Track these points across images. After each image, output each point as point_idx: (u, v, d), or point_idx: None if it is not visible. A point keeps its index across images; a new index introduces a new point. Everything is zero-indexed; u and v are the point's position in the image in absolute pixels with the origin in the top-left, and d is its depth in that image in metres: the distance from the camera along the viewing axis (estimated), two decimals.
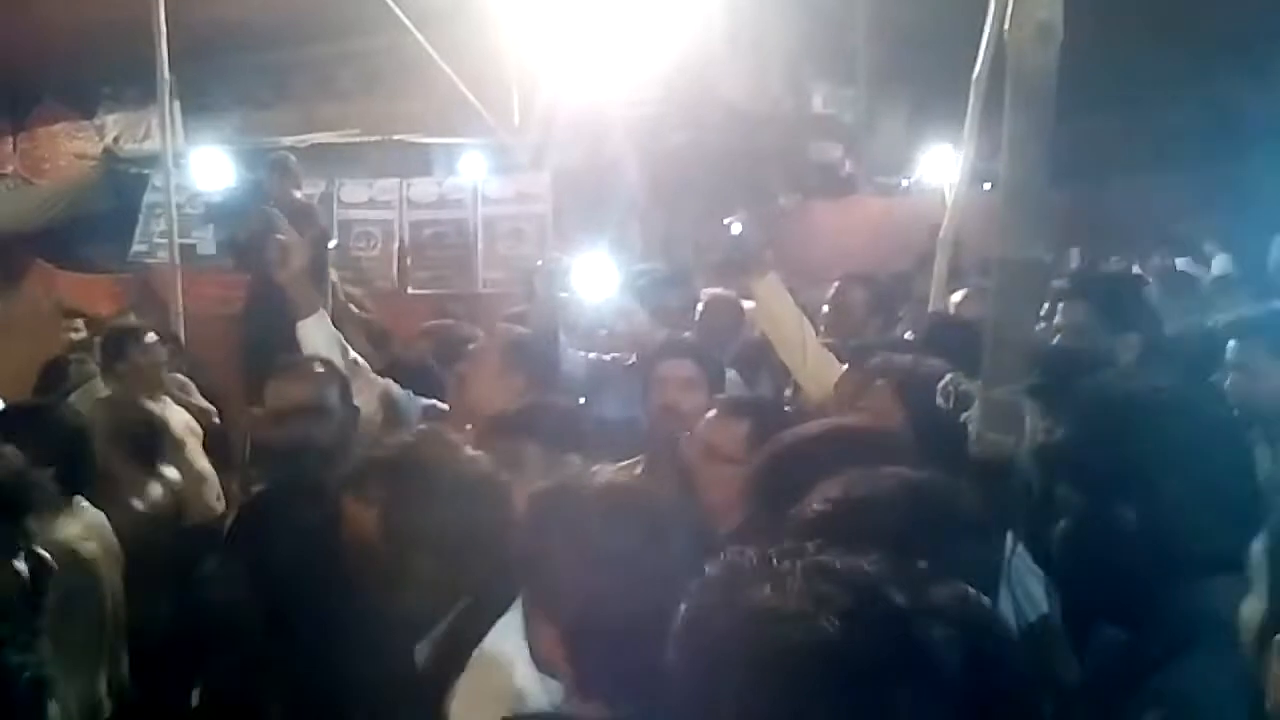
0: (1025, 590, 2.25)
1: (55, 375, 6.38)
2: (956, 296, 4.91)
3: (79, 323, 7.28)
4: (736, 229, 3.85)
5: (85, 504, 3.32)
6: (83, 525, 3.16)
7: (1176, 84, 11.56)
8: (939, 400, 2.59)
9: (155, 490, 4.01)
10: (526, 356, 3.70)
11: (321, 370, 3.33)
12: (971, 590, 1.06)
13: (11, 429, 3.30)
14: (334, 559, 2.25)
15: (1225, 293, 6.51)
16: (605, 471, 1.94)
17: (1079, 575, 2.10)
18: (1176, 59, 11.22)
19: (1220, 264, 9.64)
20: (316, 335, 3.69)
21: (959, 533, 1.52)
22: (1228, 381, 3.13)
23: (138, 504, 3.89)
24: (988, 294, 3.99)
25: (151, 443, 4.19)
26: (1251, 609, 1.39)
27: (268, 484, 3.32)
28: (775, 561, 1.03)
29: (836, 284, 5.04)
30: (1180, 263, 9.43)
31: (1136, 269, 8.91)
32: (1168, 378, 2.32)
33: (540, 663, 1.80)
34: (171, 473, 4.16)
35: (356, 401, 3.40)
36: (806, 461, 1.93)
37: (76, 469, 3.27)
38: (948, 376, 2.69)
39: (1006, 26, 2.25)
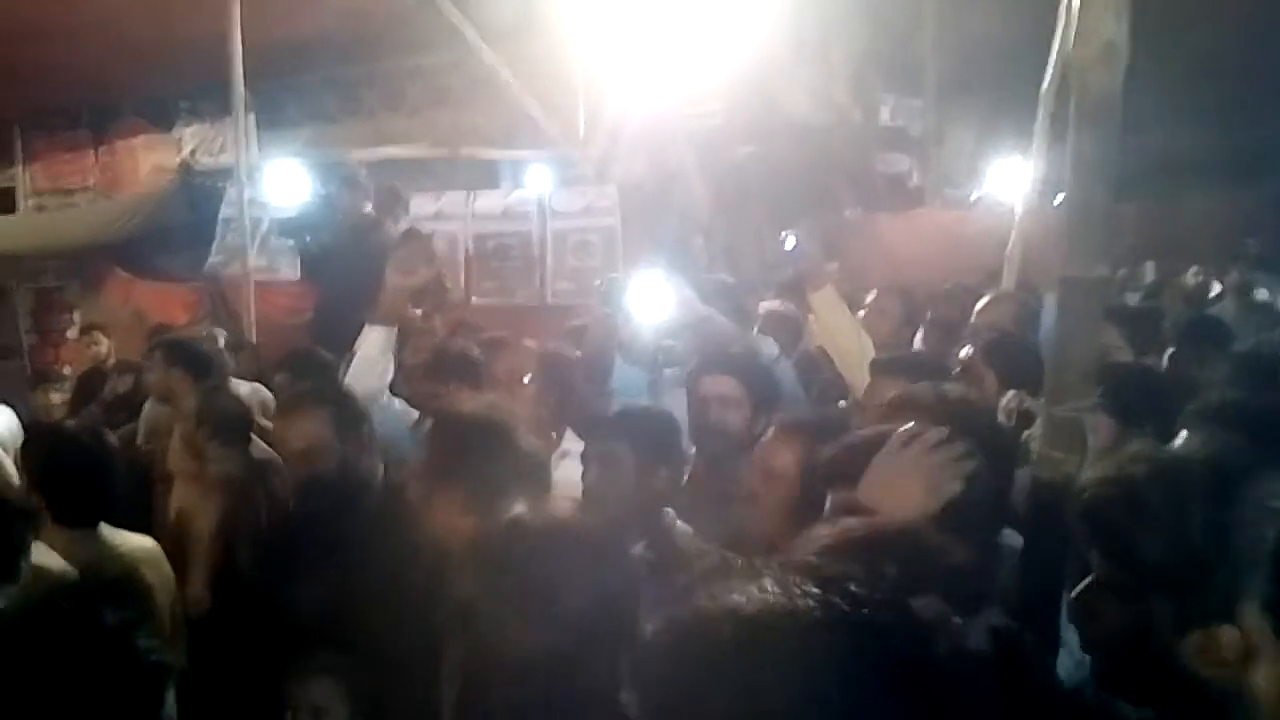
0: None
1: (90, 388, 6.58)
2: (980, 304, 4.85)
3: (98, 335, 7.48)
4: (791, 242, 3.86)
5: (107, 530, 3.37)
6: (91, 555, 3.18)
7: (1253, 96, 11.32)
8: (1000, 418, 2.58)
9: (247, 467, 4.21)
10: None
11: (318, 408, 3.35)
12: (946, 608, 1.07)
13: (34, 453, 3.41)
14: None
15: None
16: (550, 506, 2.01)
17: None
18: (1253, 71, 10.99)
19: None
20: (375, 341, 3.83)
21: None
22: None
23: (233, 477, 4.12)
24: (1011, 301, 3.98)
25: (240, 425, 4.37)
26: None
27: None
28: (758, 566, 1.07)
29: (873, 294, 5.01)
30: (1260, 280, 9.23)
31: (1215, 284, 8.75)
32: None
33: None
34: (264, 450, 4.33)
35: None
36: (855, 466, 1.92)
37: (91, 494, 3.35)
38: (1010, 394, 2.67)
39: (1071, 46, 2.24)
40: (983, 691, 1.07)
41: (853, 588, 1.01)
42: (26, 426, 4.78)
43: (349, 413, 3.32)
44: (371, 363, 3.80)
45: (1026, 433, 2.42)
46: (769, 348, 4.28)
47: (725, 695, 0.97)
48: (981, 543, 1.72)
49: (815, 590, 1.00)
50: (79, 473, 3.32)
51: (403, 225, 7.88)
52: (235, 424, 4.44)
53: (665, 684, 1.04)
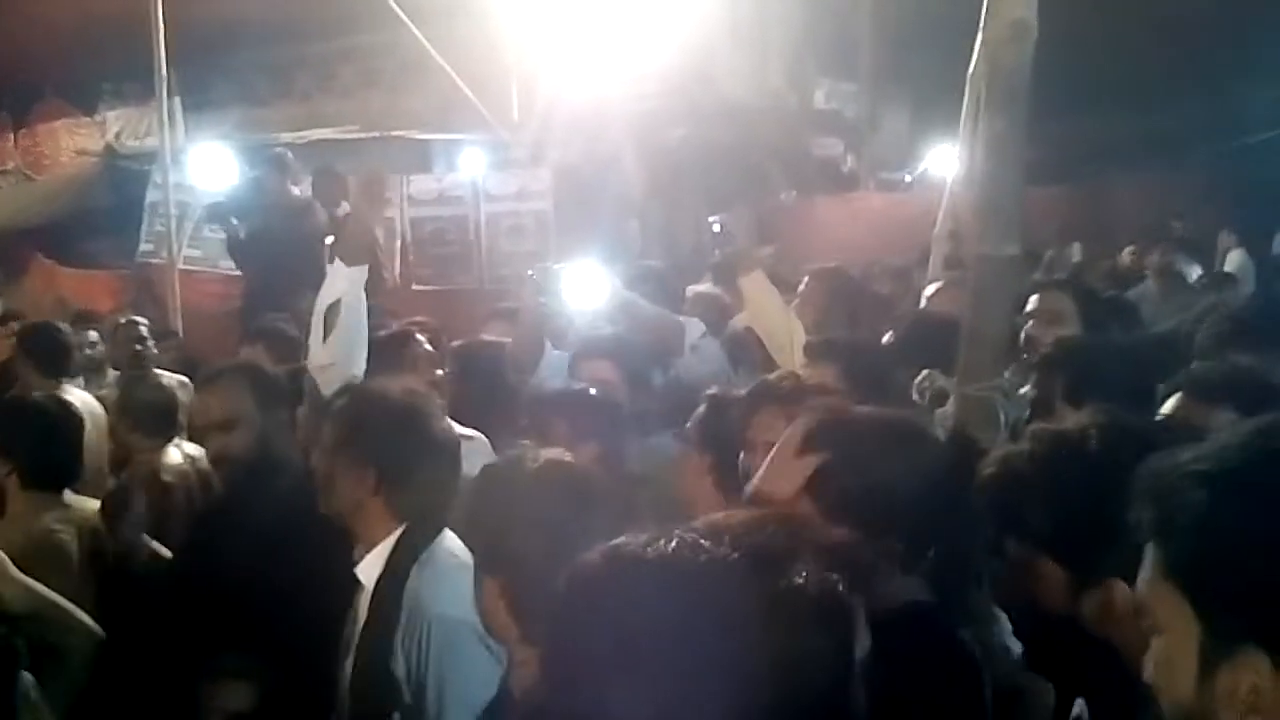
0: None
1: (9, 378, 6.39)
2: (929, 290, 4.91)
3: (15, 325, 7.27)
4: (718, 228, 3.87)
5: (71, 496, 3.41)
6: (58, 517, 3.27)
7: (1178, 80, 11.52)
8: (914, 396, 2.61)
9: (174, 460, 4.11)
10: None
11: (239, 380, 3.26)
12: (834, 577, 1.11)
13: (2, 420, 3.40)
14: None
15: (1217, 289, 6.48)
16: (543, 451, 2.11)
17: None
18: (1178, 55, 11.18)
19: (1234, 260, 9.57)
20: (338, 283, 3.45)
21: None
22: None
23: (161, 475, 4.00)
24: (959, 286, 4.01)
25: (165, 415, 4.28)
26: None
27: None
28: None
29: (805, 278, 5.03)
30: (1182, 260, 9.41)
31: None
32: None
33: (488, 629, 2.01)
34: (190, 448, 4.23)
35: None
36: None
37: (57, 460, 3.43)
38: (923, 374, 2.70)
39: (981, 25, 2.25)
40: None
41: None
42: None
43: (271, 387, 3.25)
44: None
45: (939, 411, 2.44)
46: (695, 329, 4.28)
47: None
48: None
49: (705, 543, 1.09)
50: (46, 438, 3.40)
51: (343, 209, 7.75)
52: (159, 415, 4.35)
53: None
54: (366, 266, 3.36)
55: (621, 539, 1.14)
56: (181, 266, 8.56)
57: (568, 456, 2.10)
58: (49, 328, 5.41)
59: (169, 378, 5.26)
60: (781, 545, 1.10)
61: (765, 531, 1.12)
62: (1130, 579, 1.36)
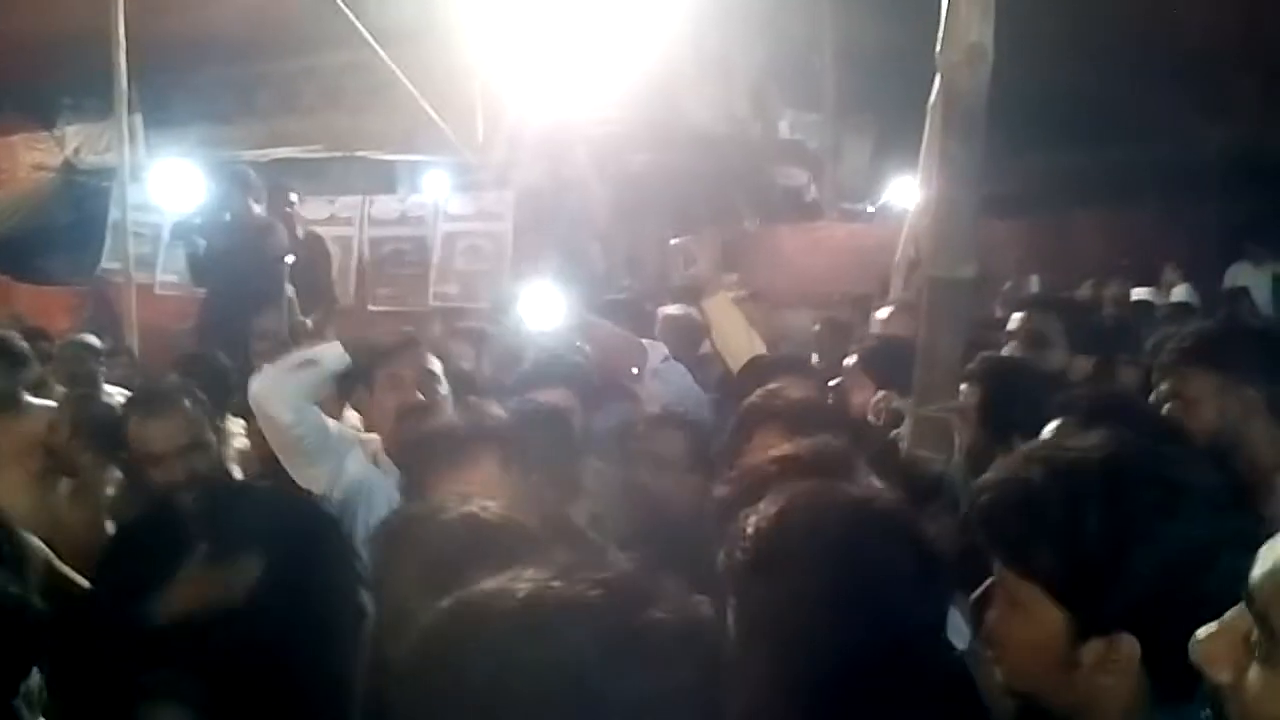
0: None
1: None
2: (882, 313, 4.94)
3: None
4: (680, 251, 3.88)
5: None
6: None
7: (1138, 118, 11.72)
8: (869, 418, 2.62)
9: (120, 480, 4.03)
10: None
11: (189, 403, 3.21)
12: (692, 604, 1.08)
13: None
14: None
15: (1177, 320, 6.57)
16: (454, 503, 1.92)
17: None
18: (1138, 92, 11.38)
19: (1180, 293, 9.78)
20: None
21: (898, 560, 1.49)
22: None
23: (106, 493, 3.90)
24: (912, 310, 4.02)
25: (115, 434, 4.21)
26: None
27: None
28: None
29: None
30: (1141, 292, 9.54)
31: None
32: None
33: None
34: None
35: None
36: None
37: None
38: (879, 395, 2.71)
39: (938, 49, 2.27)
40: None
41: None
42: None
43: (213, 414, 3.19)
44: None
45: (895, 432, 2.45)
46: (657, 352, 4.29)
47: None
48: None
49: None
50: None
51: (298, 228, 7.72)
52: (110, 433, 4.29)
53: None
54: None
55: (470, 589, 1.09)
56: (158, 290, 8.53)
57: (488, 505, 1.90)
58: None
59: (119, 395, 5.20)
60: (639, 579, 1.06)
61: (620, 567, 1.09)
62: (1141, 633, 1.34)
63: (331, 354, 3.25)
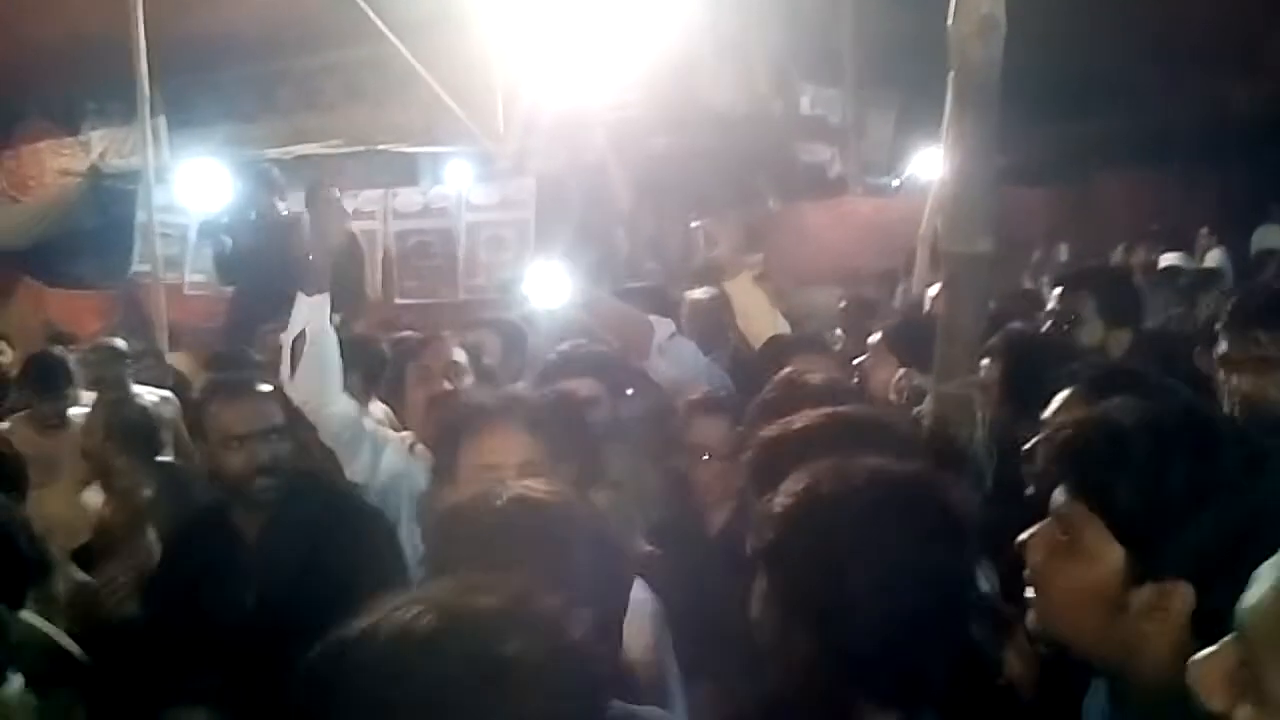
0: None
1: None
2: (932, 290, 4.90)
3: (2, 345, 7.15)
4: (702, 232, 3.88)
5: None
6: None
7: (1163, 81, 11.57)
8: (892, 395, 2.61)
9: (154, 482, 4.04)
10: None
11: (268, 389, 3.17)
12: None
13: None
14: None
15: (1207, 286, 6.49)
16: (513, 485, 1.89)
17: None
18: (1163, 56, 11.23)
19: (1214, 258, 9.64)
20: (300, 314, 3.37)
21: (928, 530, 1.49)
22: None
23: (144, 494, 3.95)
24: None
25: (150, 436, 4.25)
26: None
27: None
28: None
29: None
30: (1170, 257, 9.44)
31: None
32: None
33: None
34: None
35: None
36: (795, 451, 1.89)
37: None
38: (900, 372, 2.70)
39: (950, 21, 2.25)
40: None
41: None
42: None
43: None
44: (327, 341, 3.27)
45: (917, 409, 2.44)
46: (664, 328, 4.25)
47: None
48: None
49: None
50: None
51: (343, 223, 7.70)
52: (143, 435, 4.33)
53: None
54: (328, 295, 3.28)
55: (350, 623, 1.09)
56: (187, 290, 8.61)
57: (539, 490, 1.88)
58: None
59: (152, 395, 5.25)
60: (491, 611, 1.06)
61: (475, 597, 1.08)
62: (1196, 585, 1.36)
63: (306, 309, 3.22)
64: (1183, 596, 1.37)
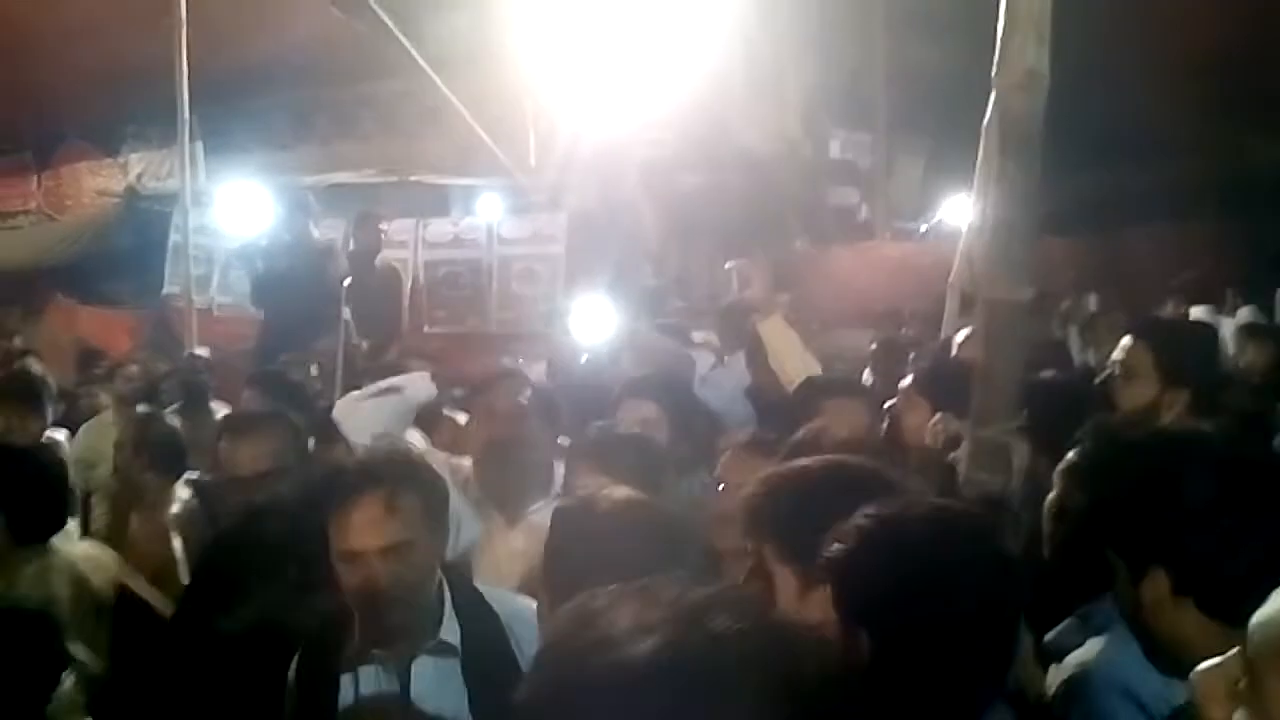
0: None
1: None
2: (959, 336, 4.90)
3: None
4: (737, 273, 3.88)
5: (63, 544, 3.30)
6: (46, 564, 3.15)
7: (1193, 133, 11.58)
8: (927, 439, 2.61)
9: (184, 496, 4.10)
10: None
11: (277, 426, 3.23)
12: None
13: None
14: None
15: (1252, 340, 6.43)
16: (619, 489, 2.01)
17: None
18: (1194, 109, 11.25)
19: (1245, 314, 9.54)
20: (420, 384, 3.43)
21: (985, 564, 1.57)
22: None
23: (170, 511, 4.00)
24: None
25: (176, 453, 4.29)
26: None
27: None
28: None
29: None
30: (1199, 311, 9.36)
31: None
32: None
33: None
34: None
35: None
36: (808, 495, 1.91)
37: (50, 508, 3.28)
38: (936, 416, 2.70)
39: (994, 73, 2.28)
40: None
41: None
42: None
43: (304, 437, 3.21)
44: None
45: (953, 455, 2.44)
46: (705, 361, 4.28)
47: None
48: None
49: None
50: (37, 489, 3.24)
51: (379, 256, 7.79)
52: (171, 454, 4.38)
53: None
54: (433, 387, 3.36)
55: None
56: (215, 312, 8.69)
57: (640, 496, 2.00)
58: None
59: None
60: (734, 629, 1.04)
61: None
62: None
63: (417, 384, 3.26)
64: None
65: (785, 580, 1.73)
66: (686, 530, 1.95)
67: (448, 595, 2.28)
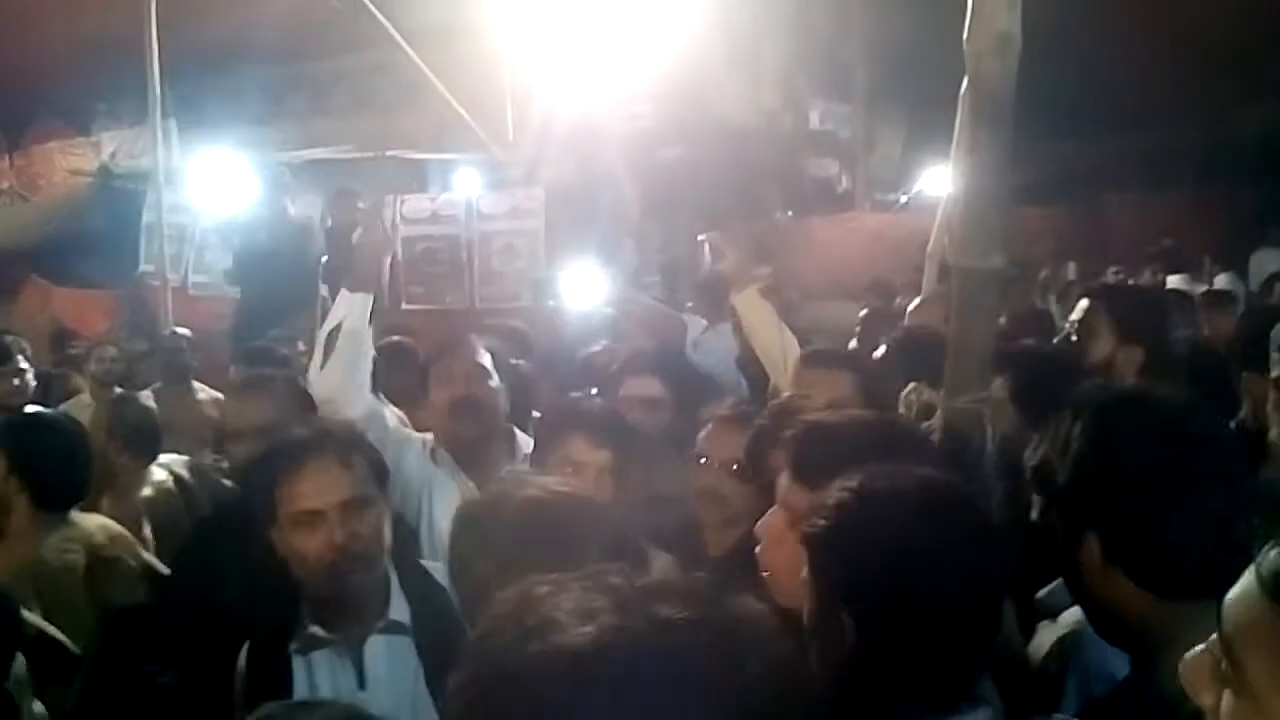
0: None
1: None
2: (912, 304, 4.89)
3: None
4: (710, 246, 3.87)
5: (79, 515, 3.31)
6: (65, 535, 3.17)
7: (1172, 101, 11.59)
8: (900, 409, 2.60)
9: (158, 478, 4.15)
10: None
11: (283, 386, 3.16)
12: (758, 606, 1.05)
13: (13, 440, 3.32)
14: None
15: (1216, 308, 6.46)
16: (529, 482, 1.93)
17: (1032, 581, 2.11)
18: (1172, 76, 11.25)
19: (1223, 281, 9.59)
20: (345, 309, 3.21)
21: (973, 535, 1.54)
22: None
23: (141, 494, 4.05)
24: (943, 300, 3.98)
25: (151, 436, 4.28)
26: None
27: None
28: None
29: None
30: (1177, 279, 9.41)
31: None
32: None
33: None
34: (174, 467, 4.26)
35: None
36: (833, 446, 1.88)
37: (74, 477, 3.30)
38: (910, 387, 2.70)
39: (965, 37, 2.24)
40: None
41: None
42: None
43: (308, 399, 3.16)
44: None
45: (926, 424, 2.43)
46: (696, 325, 4.25)
47: None
48: None
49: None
50: (62, 457, 3.25)
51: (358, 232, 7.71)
52: (146, 435, 4.36)
53: None
54: (372, 295, 3.15)
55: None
56: (191, 291, 8.61)
57: (558, 485, 1.91)
58: None
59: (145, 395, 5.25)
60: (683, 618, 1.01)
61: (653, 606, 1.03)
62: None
63: (346, 305, 3.11)
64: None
65: None
66: (615, 524, 1.85)
67: (393, 574, 2.27)
